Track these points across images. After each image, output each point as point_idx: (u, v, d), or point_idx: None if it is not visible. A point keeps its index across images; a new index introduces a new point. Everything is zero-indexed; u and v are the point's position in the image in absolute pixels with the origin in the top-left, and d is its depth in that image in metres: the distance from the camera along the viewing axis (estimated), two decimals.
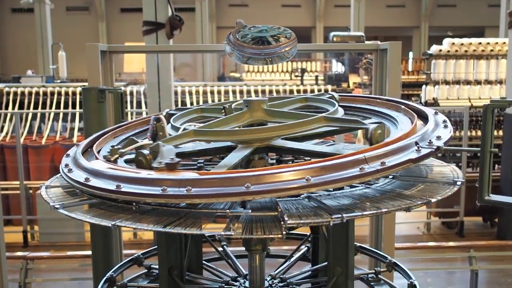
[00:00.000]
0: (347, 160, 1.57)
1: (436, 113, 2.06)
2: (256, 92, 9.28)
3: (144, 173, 1.64)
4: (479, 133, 8.52)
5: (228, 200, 1.52)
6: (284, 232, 1.46)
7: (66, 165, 1.91)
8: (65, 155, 2.05)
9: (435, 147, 1.69)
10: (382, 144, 1.69)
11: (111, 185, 1.63)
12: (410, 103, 2.28)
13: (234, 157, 1.87)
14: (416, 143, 1.70)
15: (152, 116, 2.11)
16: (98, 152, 2.05)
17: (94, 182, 1.70)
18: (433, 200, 1.64)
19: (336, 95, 2.40)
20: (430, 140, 1.74)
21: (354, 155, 1.59)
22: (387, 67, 3.50)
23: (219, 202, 1.64)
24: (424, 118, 2.07)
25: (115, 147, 1.91)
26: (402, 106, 2.23)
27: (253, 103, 2.08)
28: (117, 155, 1.90)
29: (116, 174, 1.68)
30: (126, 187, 1.60)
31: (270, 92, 9.34)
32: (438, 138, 1.78)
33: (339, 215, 1.47)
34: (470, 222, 8.25)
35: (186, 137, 1.92)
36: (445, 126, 1.92)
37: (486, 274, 6.22)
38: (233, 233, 1.47)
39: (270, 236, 1.46)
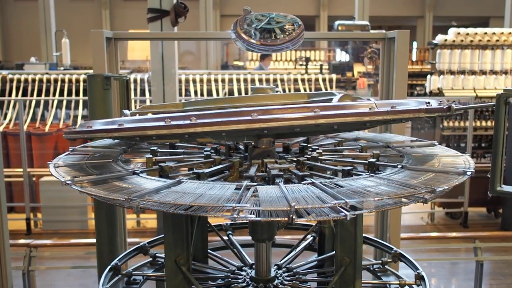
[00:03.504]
0: (357, 104, 1.57)
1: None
2: (260, 80, 9.23)
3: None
4: (484, 123, 8.48)
5: (234, 127, 1.46)
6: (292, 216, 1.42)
7: (68, 128, 1.91)
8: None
9: (446, 106, 1.67)
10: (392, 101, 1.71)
11: (113, 126, 1.63)
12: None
13: None
14: (427, 103, 1.69)
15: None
16: None
17: (97, 126, 1.71)
18: (439, 189, 1.59)
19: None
20: (440, 101, 1.73)
21: (365, 102, 1.60)
22: (394, 56, 3.47)
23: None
24: None
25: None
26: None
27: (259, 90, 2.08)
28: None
29: (117, 119, 1.69)
30: (128, 124, 1.59)
31: (274, 80, 9.29)
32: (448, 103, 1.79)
33: (348, 212, 1.44)
34: (474, 213, 8.23)
35: (174, 106, 1.95)
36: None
37: (490, 264, 6.21)
38: (246, 215, 1.42)
39: (278, 219, 1.42)
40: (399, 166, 1.84)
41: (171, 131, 1.48)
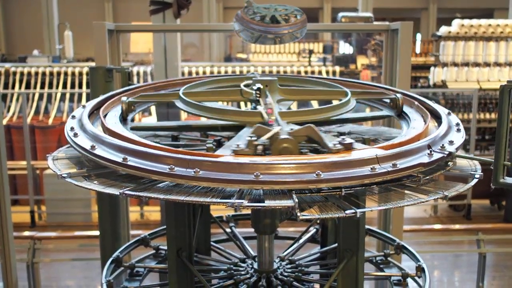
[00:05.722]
0: (358, 158, 1.55)
1: (449, 113, 2.04)
2: (263, 73, 9.22)
3: (151, 148, 1.62)
4: (487, 115, 8.46)
5: (236, 187, 1.50)
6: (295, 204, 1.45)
7: (72, 129, 1.87)
8: (70, 117, 2.01)
9: (447, 153, 1.67)
10: (395, 144, 1.67)
11: (117, 157, 1.61)
12: (424, 100, 2.22)
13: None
14: (429, 146, 1.68)
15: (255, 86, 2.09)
16: (105, 116, 2.02)
17: (100, 151, 1.67)
18: (424, 178, 1.62)
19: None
20: (442, 145, 1.72)
21: (366, 153, 1.58)
22: (397, 48, 3.45)
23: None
24: (437, 117, 2.04)
25: (252, 139, 1.69)
26: (416, 103, 2.19)
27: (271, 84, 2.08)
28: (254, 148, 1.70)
29: (122, 145, 1.65)
30: (132, 161, 1.57)
31: (278, 73, 9.28)
32: (451, 143, 1.76)
33: (353, 210, 1.46)
34: (477, 205, 8.23)
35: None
36: (458, 130, 1.90)
37: (492, 256, 6.21)
38: (244, 201, 1.45)
39: (282, 204, 1.45)
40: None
41: (174, 180, 1.52)
